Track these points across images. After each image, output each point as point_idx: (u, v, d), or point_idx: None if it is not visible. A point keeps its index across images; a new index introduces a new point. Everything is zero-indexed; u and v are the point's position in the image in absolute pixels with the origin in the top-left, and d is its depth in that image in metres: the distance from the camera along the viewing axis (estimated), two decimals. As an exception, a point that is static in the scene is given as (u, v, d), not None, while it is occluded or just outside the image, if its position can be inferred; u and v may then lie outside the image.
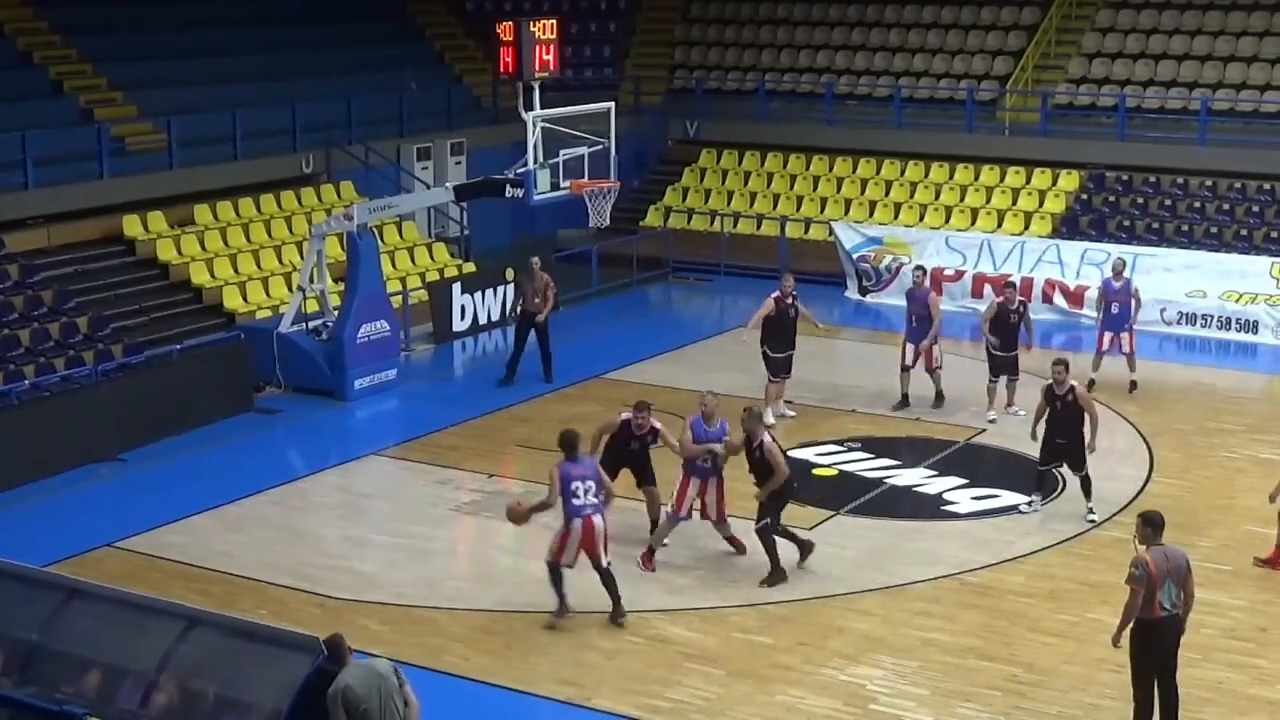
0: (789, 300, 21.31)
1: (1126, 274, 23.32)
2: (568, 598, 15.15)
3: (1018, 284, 26.65)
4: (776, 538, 16.15)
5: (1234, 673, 14.17)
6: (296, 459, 20.78)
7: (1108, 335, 22.89)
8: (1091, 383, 22.77)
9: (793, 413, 21.52)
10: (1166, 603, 12.33)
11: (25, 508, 18.51)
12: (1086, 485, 17.84)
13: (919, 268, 23.12)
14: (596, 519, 14.88)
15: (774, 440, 16.30)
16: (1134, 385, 22.72)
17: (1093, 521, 17.62)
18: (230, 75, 30.02)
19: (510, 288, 26.18)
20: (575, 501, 14.81)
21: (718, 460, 16.36)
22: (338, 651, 11.12)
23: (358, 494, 19.28)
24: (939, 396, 21.85)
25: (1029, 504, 18.00)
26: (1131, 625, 12.43)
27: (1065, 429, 17.64)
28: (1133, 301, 22.80)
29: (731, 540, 16.69)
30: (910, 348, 21.86)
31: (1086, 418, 17.54)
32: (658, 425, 16.84)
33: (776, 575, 16.12)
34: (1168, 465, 19.76)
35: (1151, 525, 12.52)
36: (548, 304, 23.45)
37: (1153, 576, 12.24)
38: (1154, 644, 12.44)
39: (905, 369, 21.85)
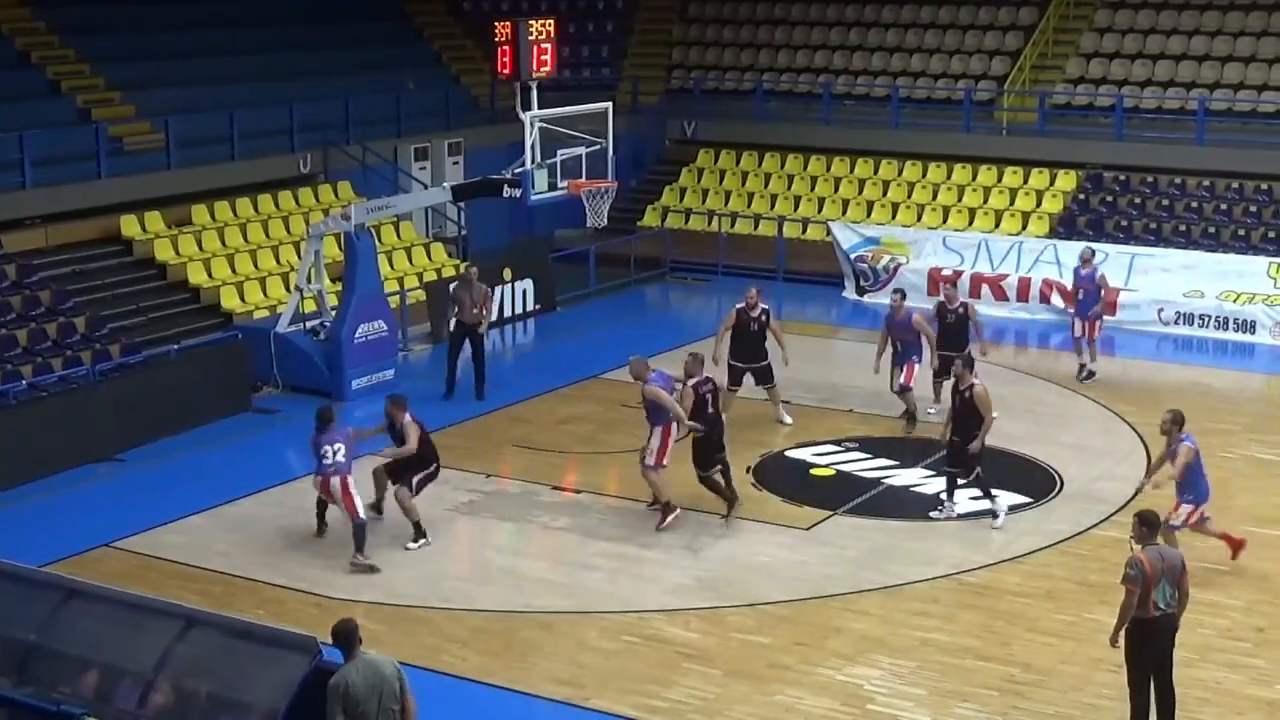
0: (753, 313, 20.97)
1: (1095, 262, 23.81)
2: (325, 526, 17.41)
3: (1017, 281, 27.01)
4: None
5: (1231, 673, 14.18)
6: (294, 459, 20.72)
7: (1079, 323, 23.31)
8: (1082, 368, 23.26)
9: (790, 420, 21.30)
10: (1161, 602, 12.35)
11: (23, 508, 18.52)
12: (982, 489, 17.73)
13: (897, 291, 22.12)
14: (334, 479, 16.79)
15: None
16: (1090, 374, 23.06)
17: (949, 518, 17.69)
18: (228, 75, 30.04)
19: (496, 291, 26.16)
20: (324, 462, 16.88)
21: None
22: (348, 640, 10.95)
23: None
24: (911, 418, 21.06)
25: (941, 509, 17.83)
26: (1127, 625, 12.46)
27: (959, 427, 17.60)
28: (1099, 290, 23.18)
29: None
30: (896, 369, 20.95)
31: (983, 420, 17.41)
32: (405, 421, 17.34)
33: (731, 504, 17.63)
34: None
35: (1147, 525, 12.56)
36: (486, 316, 23.23)
37: (1148, 576, 12.26)
38: (1149, 643, 12.45)
39: (898, 392, 21.06)
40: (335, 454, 16.81)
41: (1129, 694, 12.68)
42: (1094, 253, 24.36)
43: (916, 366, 20.99)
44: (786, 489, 18.85)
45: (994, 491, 17.81)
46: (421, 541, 17.18)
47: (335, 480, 16.77)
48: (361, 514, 16.78)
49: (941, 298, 21.88)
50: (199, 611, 12.65)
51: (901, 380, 20.99)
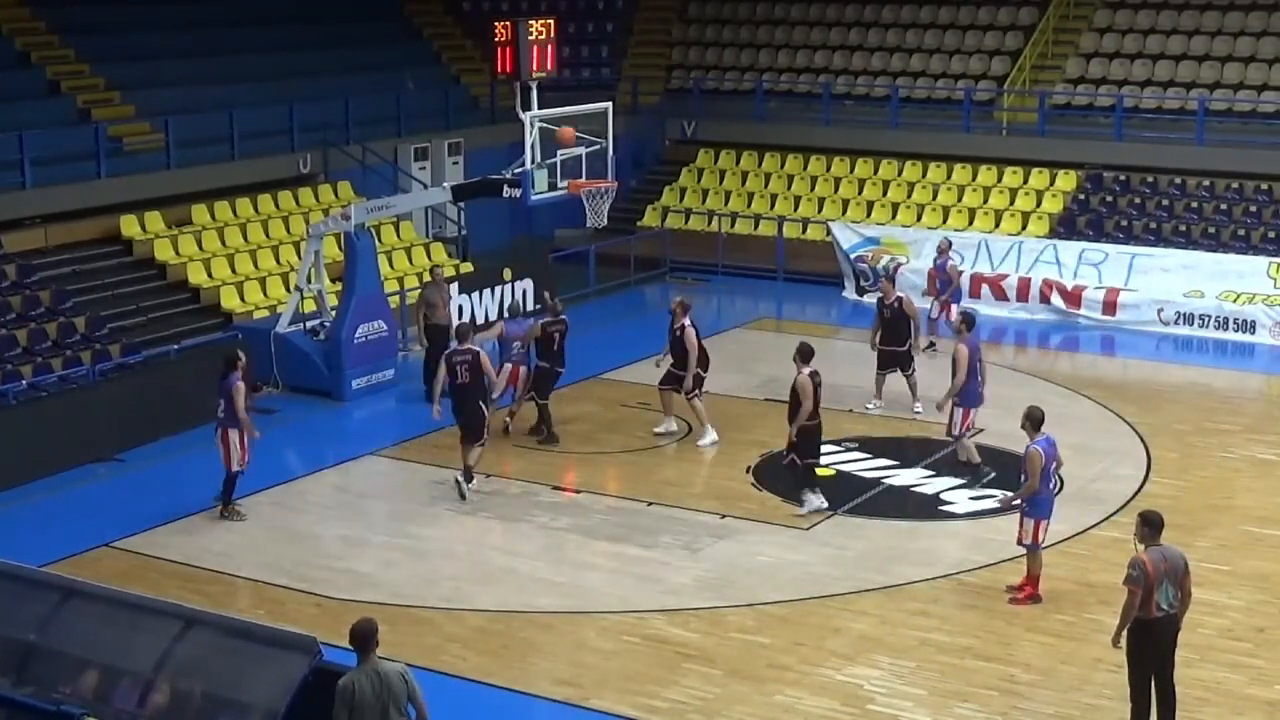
0: (674, 324, 20.54)
1: (950, 253, 25.24)
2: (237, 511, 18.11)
3: (1017, 281, 27.02)
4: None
5: (1231, 673, 14.18)
6: (294, 459, 20.76)
7: (935, 304, 24.67)
8: (929, 344, 24.18)
9: (674, 428, 20.89)
10: (1164, 603, 12.34)
11: (23, 508, 18.51)
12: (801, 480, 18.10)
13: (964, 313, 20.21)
14: (217, 431, 17.74)
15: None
16: (932, 345, 24.15)
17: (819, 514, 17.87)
18: (228, 75, 30.03)
19: (495, 291, 26.13)
20: (219, 415, 17.79)
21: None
22: (364, 643, 10.81)
23: (355, 494, 19.28)
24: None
25: (803, 502, 17.99)
26: (1129, 625, 12.45)
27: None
28: (948, 279, 24.66)
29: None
30: (959, 412, 19.02)
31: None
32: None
33: (550, 437, 20.31)
34: (1165, 465, 19.76)
35: (1150, 525, 12.54)
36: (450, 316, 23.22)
37: (1150, 577, 12.25)
38: (1151, 644, 12.45)
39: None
40: (219, 406, 17.64)
41: (1130, 694, 12.68)
42: (950, 243, 25.65)
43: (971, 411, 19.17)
44: (787, 489, 18.84)
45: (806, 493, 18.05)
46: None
47: (217, 432, 17.74)
48: (235, 465, 17.71)
49: (879, 293, 21.98)
50: (198, 611, 12.64)
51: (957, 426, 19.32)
